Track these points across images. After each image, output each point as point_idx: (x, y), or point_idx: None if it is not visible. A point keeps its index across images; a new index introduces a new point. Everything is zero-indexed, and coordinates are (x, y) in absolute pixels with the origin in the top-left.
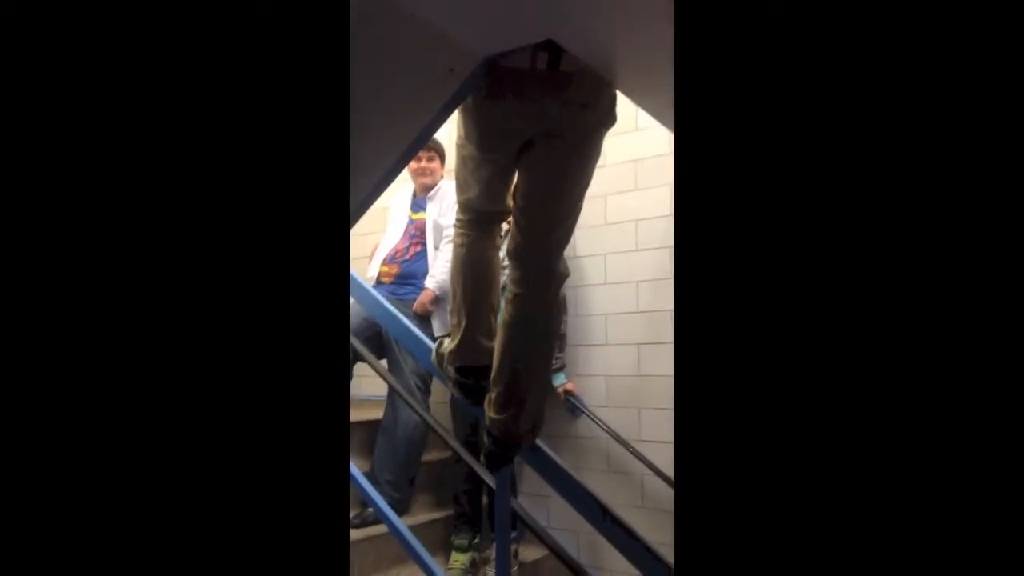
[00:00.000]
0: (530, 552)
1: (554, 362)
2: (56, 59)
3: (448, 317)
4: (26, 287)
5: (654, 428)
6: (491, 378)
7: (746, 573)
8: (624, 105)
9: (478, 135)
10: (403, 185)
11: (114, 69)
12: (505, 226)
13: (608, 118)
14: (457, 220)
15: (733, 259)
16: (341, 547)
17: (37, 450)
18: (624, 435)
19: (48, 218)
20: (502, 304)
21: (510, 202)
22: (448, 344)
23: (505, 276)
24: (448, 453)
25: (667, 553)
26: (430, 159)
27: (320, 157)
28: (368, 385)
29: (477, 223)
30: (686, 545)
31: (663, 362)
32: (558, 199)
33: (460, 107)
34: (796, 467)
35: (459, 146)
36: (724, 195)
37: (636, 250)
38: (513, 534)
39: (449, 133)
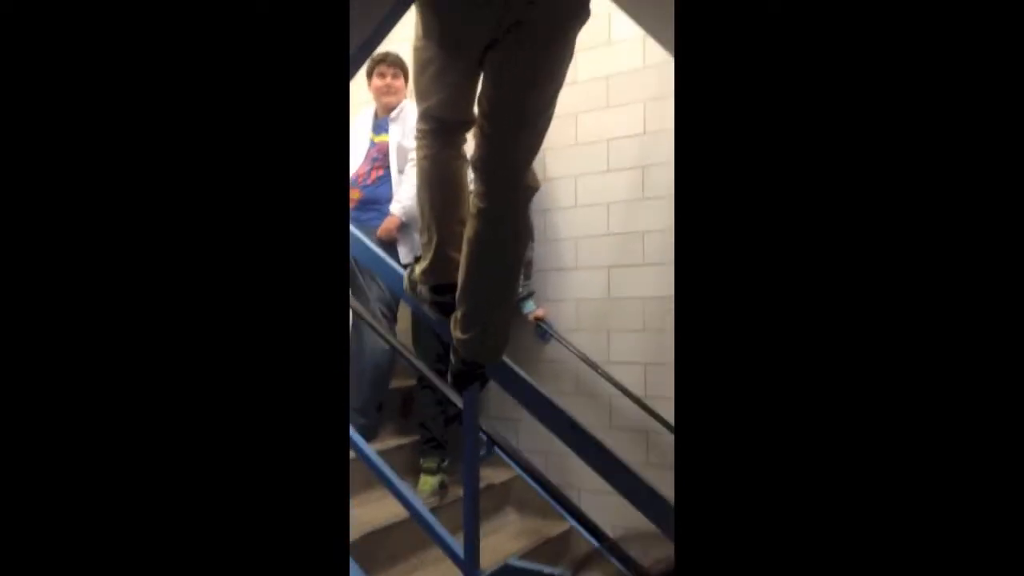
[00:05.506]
0: (499, 474)
1: (521, 289)
2: (56, 57)
3: (414, 243)
4: (23, 286)
5: (623, 350)
6: (456, 297)
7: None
8: (595, 17)
9: (440, 33)
10: (364, 107)
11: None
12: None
13: (582, 11)
14: (418, 131)
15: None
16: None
17: (35, 447)
18: (593, 358)
19: (43, 209)
20: None
21: (475, 111)
22: (420, 264)
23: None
24: (414, 381)
25: (636, 467)
26: (395, 76)
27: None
28: None
29: (440, 133)
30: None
31: (633, 284)
32: (526, 101)
33: (418, 2)
34: (797, 428)
35: (417, 49)
36: (727, 143)
37: (608, 171)
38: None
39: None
